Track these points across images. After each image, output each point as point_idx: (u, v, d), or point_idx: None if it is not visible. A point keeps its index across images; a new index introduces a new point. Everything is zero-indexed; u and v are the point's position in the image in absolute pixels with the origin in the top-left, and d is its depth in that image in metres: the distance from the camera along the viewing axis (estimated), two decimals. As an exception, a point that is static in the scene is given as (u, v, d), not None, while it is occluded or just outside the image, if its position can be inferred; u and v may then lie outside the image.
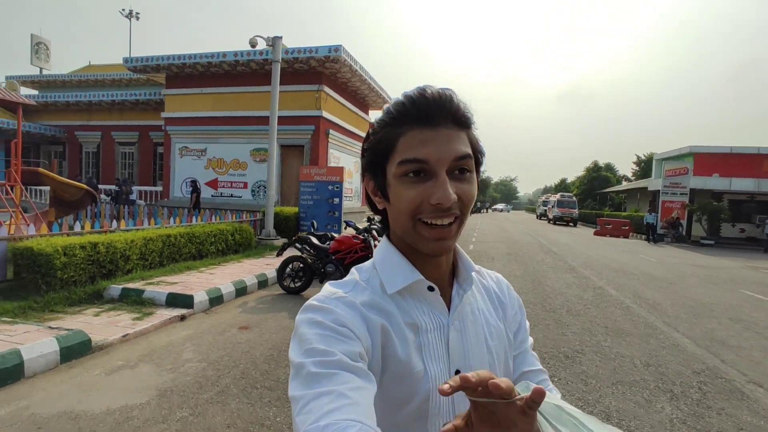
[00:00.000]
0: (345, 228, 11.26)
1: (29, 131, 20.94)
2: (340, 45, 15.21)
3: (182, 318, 5.43)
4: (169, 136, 18.51)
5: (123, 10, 38.94)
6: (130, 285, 6.13)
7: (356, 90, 19.51)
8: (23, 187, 8.63)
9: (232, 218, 11.30)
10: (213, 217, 10.91)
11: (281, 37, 11.50)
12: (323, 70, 16.48)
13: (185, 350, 4.36)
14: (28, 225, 7.59)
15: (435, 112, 0.64)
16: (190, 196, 15.70)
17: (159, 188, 20.08)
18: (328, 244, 7.06)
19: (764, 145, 23.77)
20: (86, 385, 3.49)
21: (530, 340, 0.84)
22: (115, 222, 7.55)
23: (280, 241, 11.15)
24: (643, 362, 4.41)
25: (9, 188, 8.38)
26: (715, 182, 23.37)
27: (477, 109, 0.69)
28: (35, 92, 26.35)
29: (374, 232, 7.15)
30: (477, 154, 0.69)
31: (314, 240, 7.05)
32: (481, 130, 0.70)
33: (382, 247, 0.75)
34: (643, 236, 23.45)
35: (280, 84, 12.28)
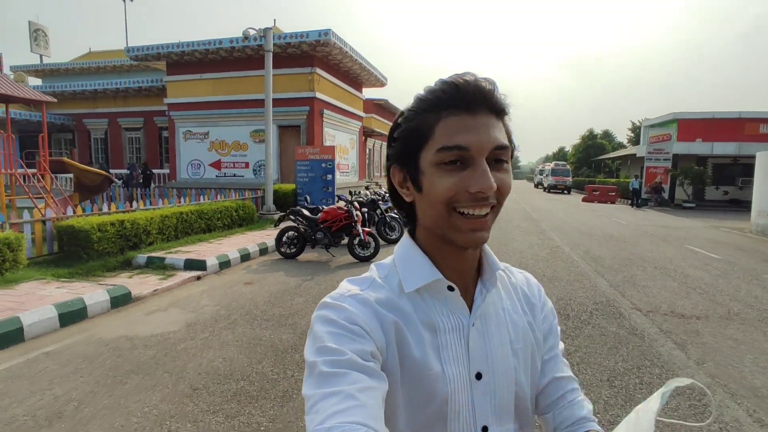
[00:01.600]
0: (337, 201, 12.46)
1: (40, 120, 22.05)
2: (330, 29, 16.05)
3: (198, 278, 6.71)
4: (173, 121, 19.55)
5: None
6: (154, 254, 7.41)
7: (348, 70, 20.37)
8: (52, 175, 9.86)
9: (235, 196, 12.53)
10: (218, 196, 12.16)
11: (271, 28, 12.48)
12: (315, 53, 17.36)
13: (202, 299, 5.65)
14: (61, 208, 8.84)
15: (475, 98, 0.62)
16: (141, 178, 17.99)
17: (166, 170, 21.26)
18: (318, 216, 8.28)
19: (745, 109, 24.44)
20: (133, 321, 4.79)
21: (561, 345, 0.82)
22: (135, 203, 8.79)
23: (279, 216, 12.39)
24: (559, 297, 5.66)
25: (40, 176, 9.60)
26: (699, 147, 24.24)
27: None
28: (39, 81, 27.34)
29: (356, 204, 8.35)
30: (510, 145, 0.67)
31: (305, 212, 8.28)
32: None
33: (402, 244, 0.73)
34: (628, 201, 24.56)
35: (275, 68, 13.29)
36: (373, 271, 0.73)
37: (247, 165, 18.92)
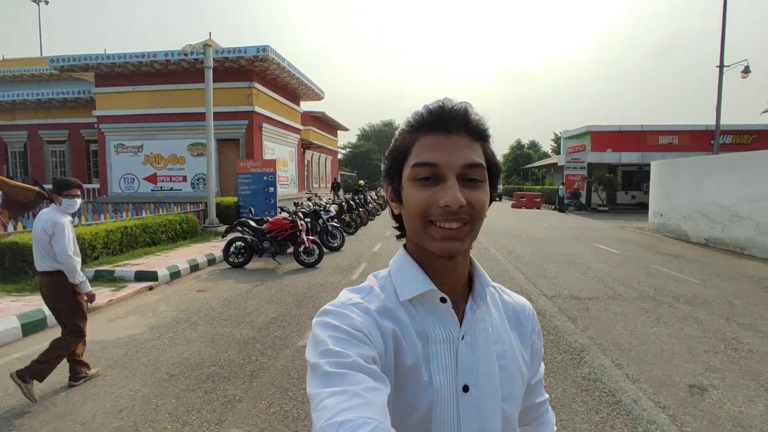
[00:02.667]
0: (280, 212, 12.91)
1: (-50, 133, 20.51)
2: (268, 45, 16.52)
3: (150, 288, 6.99)
4: (103, 134, 18.96)
5: (31, -6, 37.19)
6: (101, 268, 7.56)
7: (286, 84, 20.84)
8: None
9: (177, 210, 12.60)
10: (159, 210, 12.19)
11: (211, 46, 12.78)
12: (253, 68, 17.71)
13: (160, 306, 6.00)
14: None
15: (449, 120, 0.68)
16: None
17: (96, 185, 20.49)
18: (264, 226, 8.77)
19: (647, 123, 27.58)
20: (96, 328, 5.08)
21: (542, 366, 0.87)
22: (76, 218, 8.80)
23: (223, 228, 12.63)
24: (482, 289, 6.58)
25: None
26: (609, 157, 26.97)
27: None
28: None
29: (300, 214, 8.94)
30: (492, 167, 0.72)
31: (252, 223, 8.74)
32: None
33: (398, 255, 0.77)
34: (552, 206, 26.81)
35: (213, 81, 13.52)
36: (371, 280, 0.76)
37: (185, 178, 18.76)
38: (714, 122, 18.53)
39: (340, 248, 10.34)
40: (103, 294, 6.38)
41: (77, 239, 7.68)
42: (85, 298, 3.80)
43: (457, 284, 0.73)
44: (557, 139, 51.82)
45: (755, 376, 3.69)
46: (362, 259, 9.13)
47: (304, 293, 6.46)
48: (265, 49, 16.43)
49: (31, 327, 4.92)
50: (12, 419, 3.07)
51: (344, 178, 48.77)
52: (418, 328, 0.69)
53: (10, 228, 7.58)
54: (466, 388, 0.69)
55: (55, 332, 4.88)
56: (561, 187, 26.36)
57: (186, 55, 12.66)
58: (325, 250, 9.50)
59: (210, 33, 19.75)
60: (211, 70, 12.86)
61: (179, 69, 17.86)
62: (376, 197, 22.08)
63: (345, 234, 11.37)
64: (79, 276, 3.66)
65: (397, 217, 0.76)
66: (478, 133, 0.70)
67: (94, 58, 17.64)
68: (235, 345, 4.46)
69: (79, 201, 3.78)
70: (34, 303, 5.49)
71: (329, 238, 10.33)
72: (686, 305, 5.82)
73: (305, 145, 26.70)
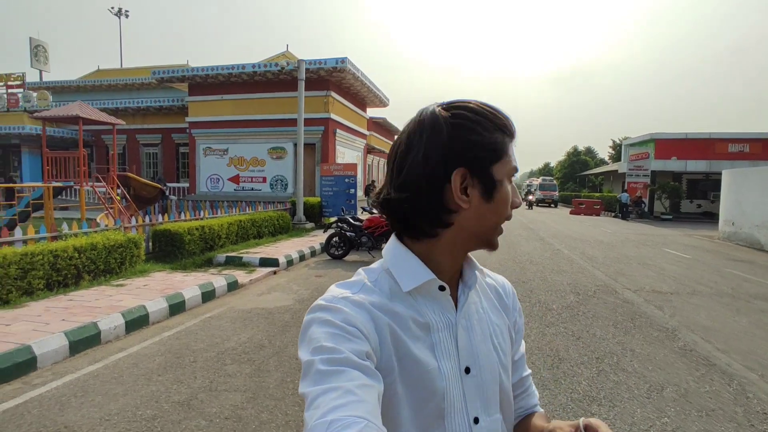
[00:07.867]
0: (361, 212, 14.09)
1: (63, 136, 23.39)
2: (346, 57, 17.84)
3: (274, 272, 8.25)
4: (193, 138, 20.98)
5: (112, 8, 40.81)
6: (230, 254, 8.92)
7: (357, 92, 22.17)
8: (121, 187, 11.32)
9: (268, 208, 14.05)
10: (248, 208, 13.65)
11: (305, 61, 14.19)
12: (330, 78, 19.10)
13: (292, 286, 7.20)
14: (124, 216, 10.29)
15: (515, 130, 0.74)
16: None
17: (185, 184, 22.63)
18: (361, 223, 9.90)
19: (716, 130, 26.86)
20: (252, 300, 6.32)
21: (523, 343, 0.91)
22: (202, 212, 10.31)
23: (309, 225, 13.98)
24: (569, 283, 7.36)
25: (110, 189, 11.05)
26: (674, 164, 26.54)
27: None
28: (50, 98, 28.59)
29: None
30: None
31: (351, 220, 9.90)
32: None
33: (392, 247, 0.76)
34: (612, 213, 26.66)
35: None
36: (361, 275, 0.76)
37: (264, 179, 20.42)
38: (791, 131, 18.08)
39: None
40: (242, 275, 7.64)
41: (210, 229, 9.19)
42: None
43: (453, 271, 0.75)
44: (616, 146, 50.70)
45: (832, 355, 4.33)
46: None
47: (408, 280, 7.48)
48: (343, 60, 17.76)
49: (207, 295, 6.21)
50: (226, 352, 4.23)
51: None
52: (418, 317, 0.70)
53: (159, 218, 9.07)
54: (467, 370, 0.72)
55: (224, 301, 6.29)
56: (624, 194, 26.18)
57: (281, 69, 14.10)
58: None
59: (287, 45, 21.37)
60: (303, 83, 14.26)
61: (263, 80, 19.51)
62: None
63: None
64: None
65: (400, 211, 0.71)
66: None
67: (190, 70, 19.66)
68: (375, 314, 5.52)
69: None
70: (200, 278, 6.82)
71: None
72: (763, 302, 6.36)
73: (369, 150, 28.01)
